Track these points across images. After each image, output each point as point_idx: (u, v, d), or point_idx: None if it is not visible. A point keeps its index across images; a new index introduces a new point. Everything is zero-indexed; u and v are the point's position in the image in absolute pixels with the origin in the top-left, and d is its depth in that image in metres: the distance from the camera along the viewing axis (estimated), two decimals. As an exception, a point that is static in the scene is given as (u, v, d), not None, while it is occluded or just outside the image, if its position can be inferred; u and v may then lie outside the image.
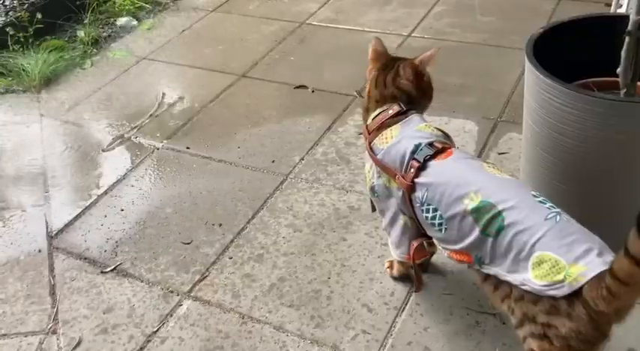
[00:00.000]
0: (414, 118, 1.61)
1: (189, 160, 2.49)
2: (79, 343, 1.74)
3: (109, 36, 3.53)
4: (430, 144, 1.51)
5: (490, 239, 1.33)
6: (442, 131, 1.61)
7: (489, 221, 1.32)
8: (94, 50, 3.39)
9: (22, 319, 1.83)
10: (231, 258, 1.98)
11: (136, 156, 2.53)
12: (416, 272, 1.69)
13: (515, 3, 3.47)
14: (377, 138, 1.60)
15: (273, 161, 2.41)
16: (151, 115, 2.79)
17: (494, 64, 2.94)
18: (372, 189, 1.65)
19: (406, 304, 1.78)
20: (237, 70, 3.06)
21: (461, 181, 1.41)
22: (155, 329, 1.76)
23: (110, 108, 2.88)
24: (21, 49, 3.25)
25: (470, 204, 1.36)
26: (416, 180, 1.48)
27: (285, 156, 2.43)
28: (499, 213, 1.32)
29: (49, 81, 3.11)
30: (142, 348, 1.71)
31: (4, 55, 3.20)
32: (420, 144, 1.51)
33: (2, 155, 2.61)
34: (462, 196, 1.38)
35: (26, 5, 3.50)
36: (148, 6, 3.78)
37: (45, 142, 2.67)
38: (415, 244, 1.61)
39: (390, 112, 1.62)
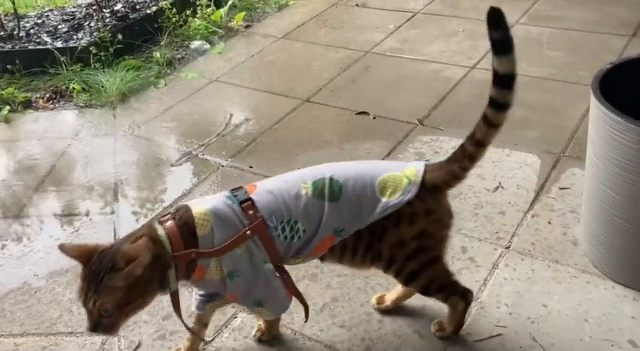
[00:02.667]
0: (192, 202, 1.56)
1: (252, 178, 2.56)
2: (138, 346, 1.82)
3: (183, 58, 3.72)
4: (232, 190, 1.55)
5: (340, 202, 1.50)
6: None
7: (329, 189, 1.50)
8: (168, 71, 3.56)
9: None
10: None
11: (201, 172, 2.64)
12: (302, 300, 1.65)
13: (585, 39, 3.44)
14: (197, 231, 1.47)
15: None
16: (217, 134, 2.90)
17: (559, 99, 2.91)
18: (230, 275, 1.50)
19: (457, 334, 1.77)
20: (302, 95, 3.15)
21: (286, 185, 1.53)
22: (210, 339, 1.82)
23: (180, 126, 3.02)
24: (101, 67, 3.46)
25: (307, 190, 1.51)
26: (260, 214, 1.49)
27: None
28: (331, 179, 1.51)
29: (124, 98, 3.29)
30: (196, 355, 1.77)
31: (85, 72, 3.42)
32: (229, 196, 1.53)
33: (77, 165, 2.78)
34: (297, 191, 1.51)
35: (109, 27, 3.73)
36: (220, 31, 3.96)
37: (117, 155, 2.82)
38: (284, 276, 1.58)
39: (170, 223, 1.48)
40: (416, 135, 2.71)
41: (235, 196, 1.52)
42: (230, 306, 1.92)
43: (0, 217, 2.49)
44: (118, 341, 1.84)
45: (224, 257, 1.48)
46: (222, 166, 2.67)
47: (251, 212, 1.49)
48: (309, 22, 4.02)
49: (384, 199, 1.50)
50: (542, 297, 1.86)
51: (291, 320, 1.86)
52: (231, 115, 3.05)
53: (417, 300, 1.88)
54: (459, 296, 1.66)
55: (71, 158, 2.82)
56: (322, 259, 1.63)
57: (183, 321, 1.55)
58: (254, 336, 1.80)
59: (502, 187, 2.34)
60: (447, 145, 2.57)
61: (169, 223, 1.48)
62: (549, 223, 2.15)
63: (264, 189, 1.54)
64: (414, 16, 3.94)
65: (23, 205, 2.54)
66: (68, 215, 2.46)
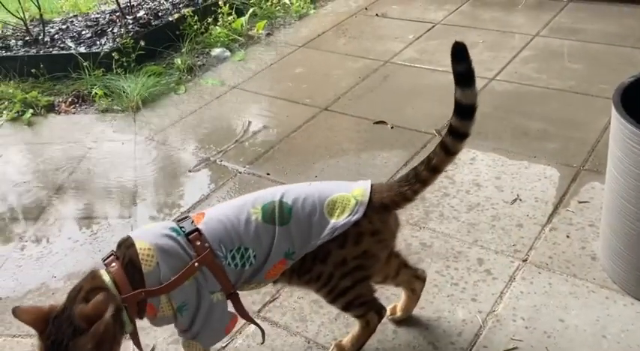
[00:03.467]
0: (136, 232, 1.53)
1: (269, 185, 2.54)
2: (152, 350, 1.83)
3: (203, 65, 3.75)
4: (177, 221, 1.53)
5: (290, 224, 1.50)
6: None
7: (279, 213, 1.50)
8: (189, 77, 3.60)
9: (104, 322, 1.95)
10: (301, 283, 2.03)
11: (219, 178, 2.66)
12: (256, 324, 1.64)
13: (606, 52, 3.41)
14: (142, 268, 1.43)
15: (348, 193, 2.46)
16: (236, 141, 2.92)
17: (579, 111, 2.89)
18: (180, 309, 1.47)
19: (473, 346, 1.75)
20: (320, 104, 3.17)
21: (235, 211, 1.52)
22: (224, 345, 1.83)
23: (199, 132, 3.05)
24: (123, 73, 3.50)
25: (257, 215, 1.50)
26: (207, 245, 1.46)
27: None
28: (280, 202, 1.51)
29: (145, 103, 3.33)
30: (210, 361, 1.78)
31: (108, 77, 3.47)
32: (174, 228, 1.49)
33: (97, 169, 2.81)
34: (247, 217, 1.50)
35: (132, 33, 3.78)
36: (241, 39, 3.99)
37: (137, 159, 2.85)
38: (234, 301, 1.55)
39: (114, 265, 1.45)
40: (434, 145, 2.68)
41: (182, 227, 1.49)
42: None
43: (21, 218, 2.53)
44: (133, 345, 1.86)
45: (173, 292, 1.44)
46: (240, 173, 2.69)
47: (198, 243, 1.46)
48: (329, 31, 4.04)
49: (332, 220, 1.51)
50: (560, 311, 1.84)
51: (305, 328, 1.86)
52: (249, 122, 3.07)
53: (433, 311, 1.87)
54: (374, 312, 1.68)
55: (91, 162, 2.86)
56: (275, 282, 1.62)
57: None
58: None
59: (520, 200, 2.32)
60: (465, 156, 2.56)
61: (114, 265, 1.44)
62: (568, 236, 2.13)
63: (212, 217, 1.51)
64: (433, 26, 3.94)
65: (43, 207, 2.57)
66: (87, 218, 2.49)
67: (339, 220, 1.51)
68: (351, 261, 1.55)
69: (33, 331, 1.93)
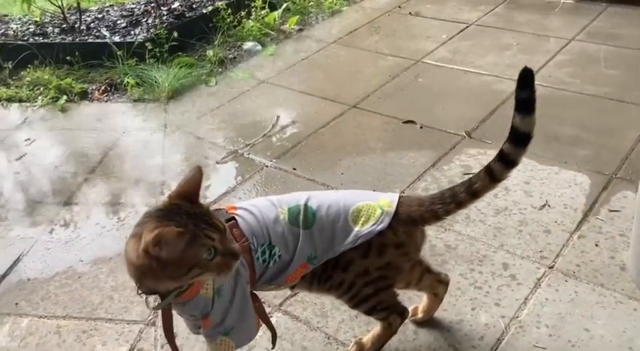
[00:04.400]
0: None
1: (294, 180, 2.59)
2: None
3: (235, 58, 3.77)
4: (214, 211, 1.47)
5: (313, 229, 1.49)
6: None
7: (304, 217, 1.49)
8: (220, 70, 3.62)
9: (127, 308, 1.98)
10: (323, 279, 2.03)
11: (246, 171, 2.67)
12: (271, 327, 1.60)
13: (644, 58, 3.34)
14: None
15: (373, 190, 2.44)
16: (264, 135, 2.93)
17: (614, 118, 2.83)
18: (219, 291, 1.44)
19: (494, 351, 1.74)
20: (349, 101, 3.16)
21: (265, 208, 1.51)
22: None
23: (228, 124, 3.07)
24: (156, 63, 3.54)
25: (284, 216, 1.50)
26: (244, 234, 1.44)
27: (387, 187, 2.46)
28: (305, 206, 1.51)
29: (176, 94, 3.36)
30: None
31: (140, 67, 3.51)
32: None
33: (126, 157, 2.85)
34: (276, 216, 1.50)
35: (165, 24, 3.82)
36: (273, 33, 4.00)
37: (165, 149, 2.88)
38: (257, 304, 1.52)
39: None
40: (463, 147, 2.68)
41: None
42: (267, 305, 1.93)
43: (50, 202, 2.57)
44: (155, 331, 1.88)
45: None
46: (267, 167, 2.70)
47: (236, 231, 1.44)
48: (361, 28, 4.03)
49: (356, 228, 1.49)
50: (585, 321, 1.81)
51: (326, 324, 1.86)
52: (278, 117, 3.08)
53: (455, 314, 1.86)
54: (397, 314, 1.67)
55: (121, 150, 2.90)
56: (293, 287, 1.60)
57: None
58: None
59: (549, 206, 2.29)
60: (494, 159, 2.52)
61: None
62: (596, 245, 2.09)
63: (246, 209, 1.51)
64: (467, 27, 3.90)
65: (73, 192, 2.62)
66: (115, 205, 2.53)
67: (362, 229, 1.49)
68: (374, 271, 1.54)
69: (59, 313, 1.98)
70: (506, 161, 1.47)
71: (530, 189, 2.37)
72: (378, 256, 1.52)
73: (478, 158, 2.59)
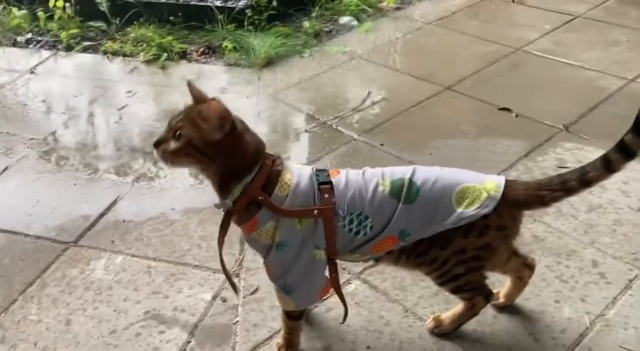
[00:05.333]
0: (289, 162, 1.55)
1: (381, 155, 2.59)
2: (256, 290, 1.92)
3: (330, 31, 3.79)
4: (317, 170, 1.53)
5: (414, 204, 1.47)
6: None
7: (407, 190, 1.48)
8: (314, 42, 3.65)
9: (213, 257, 2.05)
10: (404, 254, 2.04)
11: (333, 142, 2.70)
12: (343, 301, 1.63)
13: None
14: (276, 188, 1.47)
15: (463, 174, 2.42)
16: (353, 109, 2.95)
17: None
18: (278, 245, 1.49)
19: (576, 346, 1.69)
20: (444, 82, 3.11)
21: (366, 178, 1.52)
22: (323, 298, 1.87)
23: (318, 95, 3.10)
24: (254, 30, 3.61)
25: (384, 187, 1.49)
26: (333, 200, 1.47)
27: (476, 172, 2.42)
28: (410, 180, 1.49)
29: (270, 62, 3.42)
30: (309, 310, 1.83)
31: (239, 33, 3.59)
32: (313, 172, 1.52)
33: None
34: (375, 187, 1.49)
35: (266, -8, 3.88)
36: (370, 10, 3.99)
37: (257, 114, 2.95)
38: (332, 268, 1.56)
39: (267, 163, 1.49)
40: (559, 140, 2.59)
41: (317, 175, 1.51)
42: (347, 272, 1.97)
43: (148, 152, 2.68)
44: (239, 282, 1.95)
45: (282, 224, 1.47)
46: (354, 140, 2.71)
47: (327, 196, 1.47)
48: (460, 11, 3.94)
49: (459, 210, 1.47)
50: (677, 328, 1.73)
51: (404, 297, 1.87)
52: (369, 93, 3.08)
53: (537, 304, 1.82)
54: (483, 296, 1.65)
55: (215, 110, 2.99)
56: (377, 260, 1.63)
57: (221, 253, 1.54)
58: None
59: (647, 208, 2.19)
60: (593, 156, 2.40)
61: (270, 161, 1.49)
62: (696, 254, 1.99)
63: (346, 177, 1.52)
64: (573, 19, 3.74)
65: (168, 145, 2.73)
66: (206, 161, 2.62)
67: (466, 210, 1.47)
68: (470, 251, 1.52)
69: (150, 254, 2.09)
70: (626, 152, 1.42)
71: (628, 189, 2.27)
72: (479, 236, 1.50)
73: (574, 153, 2.50)
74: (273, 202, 1.46)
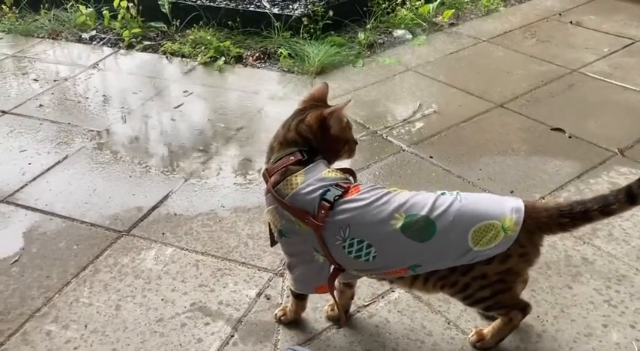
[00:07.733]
0: (319, 164, 1.57)
1: (430, 168, 2.60)
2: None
3: (384, 43, 3.82)
4: (337, 185, 1.53)
5: (427, 243, 1.46)
6: (347, 169, 1.64)
7: (421, 229, 1.46)
8: (368, 53, 3.69)
9: (259, 256, 2.10)
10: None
11: (382, 151, 2.72)
12: (338, 307, 1.70)
13: None
14: (281, 183, 1.54)
15: (511, 192, 2.40)
16: (404, 120, 2.96)
17: None
18: (280, 231, 1.59)
19: (623, 372, 1.66)
20: (496, 100, 3.10)
21: (379, 207, 1.48)
22: (366, 304, 1.89)
23: (369, 105, 3.13)
24: (309, 38, 3.67)
25: (397, 222, 1.46)
26: (329, 219, 1.49)
27: (525, 190, 2.40)
28: (427, 218, 1.46)
29: (324, 70, 3.46)
30: (351, 315, 1.85)
31: (294, 40, 3.65)
32: (327, 187, 1.51)
33: (265, 121, 2.99)
34: (386, 218, 1.47)
35: (322, 2, 3.94)
36: (424, 24, 4.00)
37: (308, 120, 2.99)
38: (332, 275, 1.59)
39: (292, 158, 1.57)
40: (613, 164, 2.55)
41: (328, 190, 1.51)
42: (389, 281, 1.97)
43: (202, 150, 2.76)
44: (283, 282, 1.98)
45: (282, 214, 1.54)
46: (403, 151, 2.72)
47: (322, 213, 1.49)
48: (515, 30, 3.92)
49: (475, 248, 1.46)
50: None
51: (447, 309, 1.87)
52: (420, 105, 3.09)
53: (584, 326, 1.79)
54: (519, 310, 1.63)
55: (268, 115, 3.05)
56: (392, 282, 1.64)
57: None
58: (275, 315, 1.84)
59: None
60: (648, 181, 2.38)
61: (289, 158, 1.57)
62: None
63: (361, 198, 1.50)
64: (633, 43, 3.67)
65: (222, 144, 2.80)
66: (261, 163, 2.67)
67: (482, 249, 1.46)
68: (492, 276, 1.52)
69: (199, 248, 2.14)
70: None
71: (684, 218, 2.22)
72: (500, 263, 1.50)
73: (629, 177, 2.45)
74: (273, 191, 1.55)
